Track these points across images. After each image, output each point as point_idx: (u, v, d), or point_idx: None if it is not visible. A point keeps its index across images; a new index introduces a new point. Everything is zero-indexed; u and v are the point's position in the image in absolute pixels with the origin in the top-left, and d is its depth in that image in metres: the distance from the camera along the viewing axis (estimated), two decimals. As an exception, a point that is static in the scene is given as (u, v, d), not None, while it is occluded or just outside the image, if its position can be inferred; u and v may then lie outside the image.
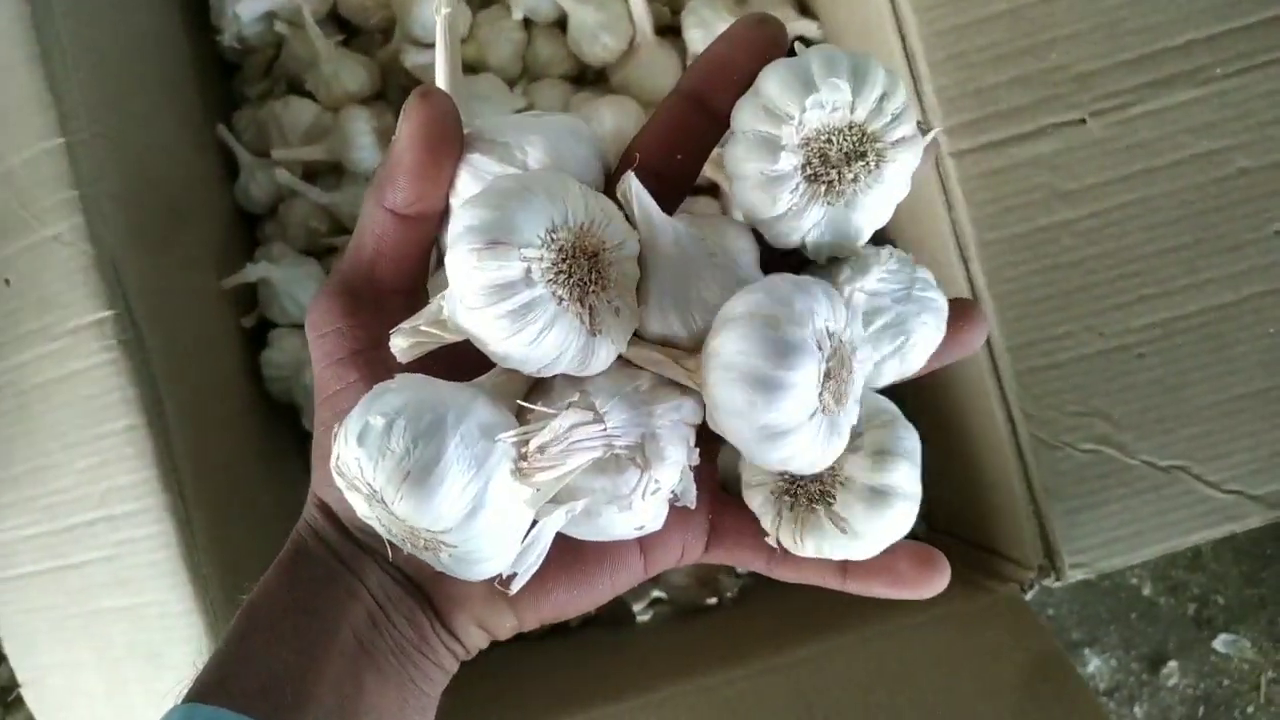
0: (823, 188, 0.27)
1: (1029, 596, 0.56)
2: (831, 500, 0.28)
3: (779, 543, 0.30)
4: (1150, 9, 0.53)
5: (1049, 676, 0.51)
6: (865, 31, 0.59)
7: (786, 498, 0.29)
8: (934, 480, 0.69)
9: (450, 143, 0.29)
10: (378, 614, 0.31)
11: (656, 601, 0.77)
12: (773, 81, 0.26)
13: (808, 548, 0.29)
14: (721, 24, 0.66)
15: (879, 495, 0.28)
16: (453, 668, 0.33)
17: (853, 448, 0.28)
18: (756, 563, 0.33)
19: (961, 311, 0.32)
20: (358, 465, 0.25)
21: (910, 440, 0.30)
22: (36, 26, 0.54)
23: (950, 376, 0.60)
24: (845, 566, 0.32)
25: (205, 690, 0.29)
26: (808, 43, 0.70)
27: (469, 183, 0.29)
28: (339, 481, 0.27)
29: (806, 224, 0.28)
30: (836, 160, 0.26)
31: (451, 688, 0.39)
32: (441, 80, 0.32)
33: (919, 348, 0.30)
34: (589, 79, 0.73)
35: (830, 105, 0.26)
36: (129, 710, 0.57)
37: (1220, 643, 0.97)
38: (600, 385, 0.27)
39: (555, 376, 0.28)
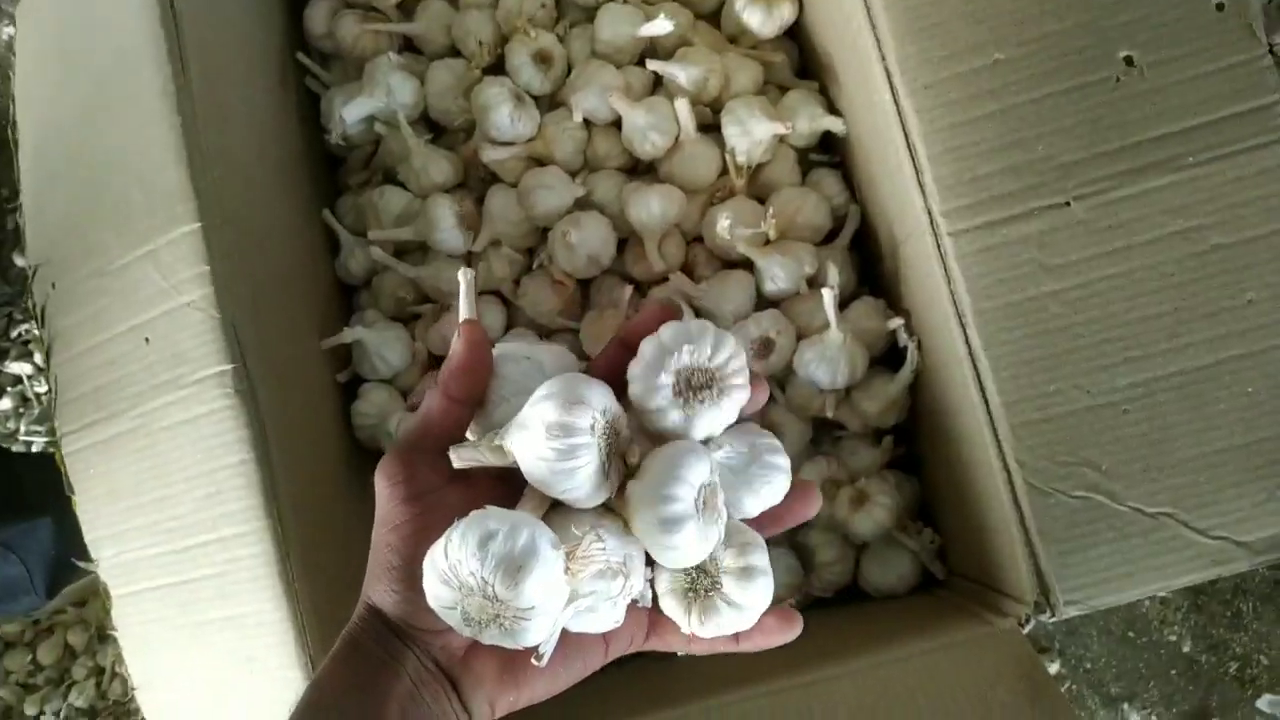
0: (681, 400, 0.42)
1: (1026, 630, 0.61)
2: (719, 585, 0.41)
3: (691, 631, 0.42)
4: (1127, 107, 0.61)
5: (1039, 698, 0.56)
6: (875, 129, 0.67)
7: (689, 594, 0.42)
8: (947, 527, 0.75)
9: (487, 354, 0.44)
10: (415, 693, 0.41)
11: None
12: (667, 332, 0.42)
13: (709, 629, 0.42)
14: (754, 122, 0.75)
15: (746, 572, 0.41)
16: None
17: (725, 550, 0.41)
18: (679, 644, 0.45)
19: (802, 489, 0.45)
20: (476, 562, 0.36)
21: (758, 542, 0.42)
22: (185, 136, 0.66)
23: (955, 432, 0.67)
24: (737, 635, 0.43)
25: None
26: (834, 139, 0.79)
27: (503, 381, 0.44)
28: (431, 575, 0.38)
29: (669, 419, 0.42)
30: (695, 386, 0.42)
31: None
32: (462, 317, 0.46)
33: (748, 502, 0.43)
34: (640, 169, 0.82)
35: (695, 354, 0.41)
36: (228, 708, 0.66)
37: (1265, 703, 0.98)
38: (604, 524, 0.41)
39: (573, 511, 0.42)
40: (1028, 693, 0.56)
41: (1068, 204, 0.61)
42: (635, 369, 0.42)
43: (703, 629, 0.42)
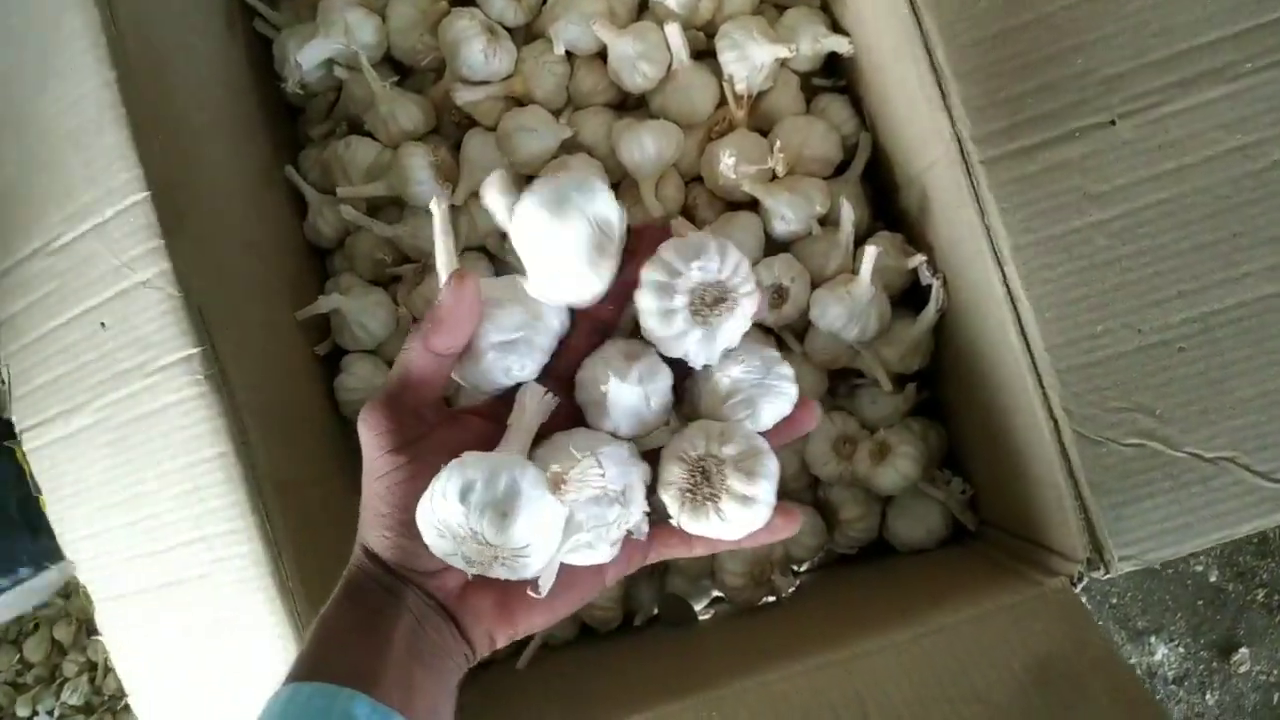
0: (700, 318, 0.42)
1: (1079, 589, 0.57)
2: (718, 499, 0.41)
3: (679, 524, 0.42)
4: (1175, 10, 0.54)
5: (1100, 667, 0.52)
6: (894, 47, 0.60)
7: (688, 494, 0.42)
8: (979, 476, 0.70)
9: (476, 308, 0.42)
10: (417, 627, 0.42)
11: (716, 600, 0.80)
12: (670, 251, 0.42)
13: (698, 528, 0.42)
14: (753, 45, 0.68)
15: (747, 500, 0.41)
16: (465, 667, 0.45)
17: (732, 468, 0.41)
18: (681, 550, 0.45)
19: (802, 401, 0.45)
20: (461, 514, 0.37)
21: (771, 465, 0.42)
22: (122, 92, 0.58)
23: (990, 378, 0.62)
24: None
25: (301, 675, 0.40)
26: (839, 61, 0.73)
27: (492, 329, 0.43)
28: (426, 528, 0.39)
29: (689, 341, 0.42)
30: (710, 302, 0.42)
31: (522, 685, 0.62)
32: (442, 261, 0.45)
33: (766, 414, 0.44)
34: (630, 105, 0.75)
35: (705, 269, 0.41)
36: (227, 713, 0.62)
37: (1294, 629, 0.96)
38: (605, 450, 0.41)
39: (577, 432, 0.42)
40: (1089, 663, 0.52)
41: (1112, 123, 0.55)
42: (645, 299, 0.42)
43: (693, 526, 0.42)
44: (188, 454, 0.59)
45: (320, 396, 0.72)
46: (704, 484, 0.41)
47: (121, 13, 0.59)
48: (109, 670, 0.91)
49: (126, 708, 0.91)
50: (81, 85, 0.59)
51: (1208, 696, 0.97)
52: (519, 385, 0.43)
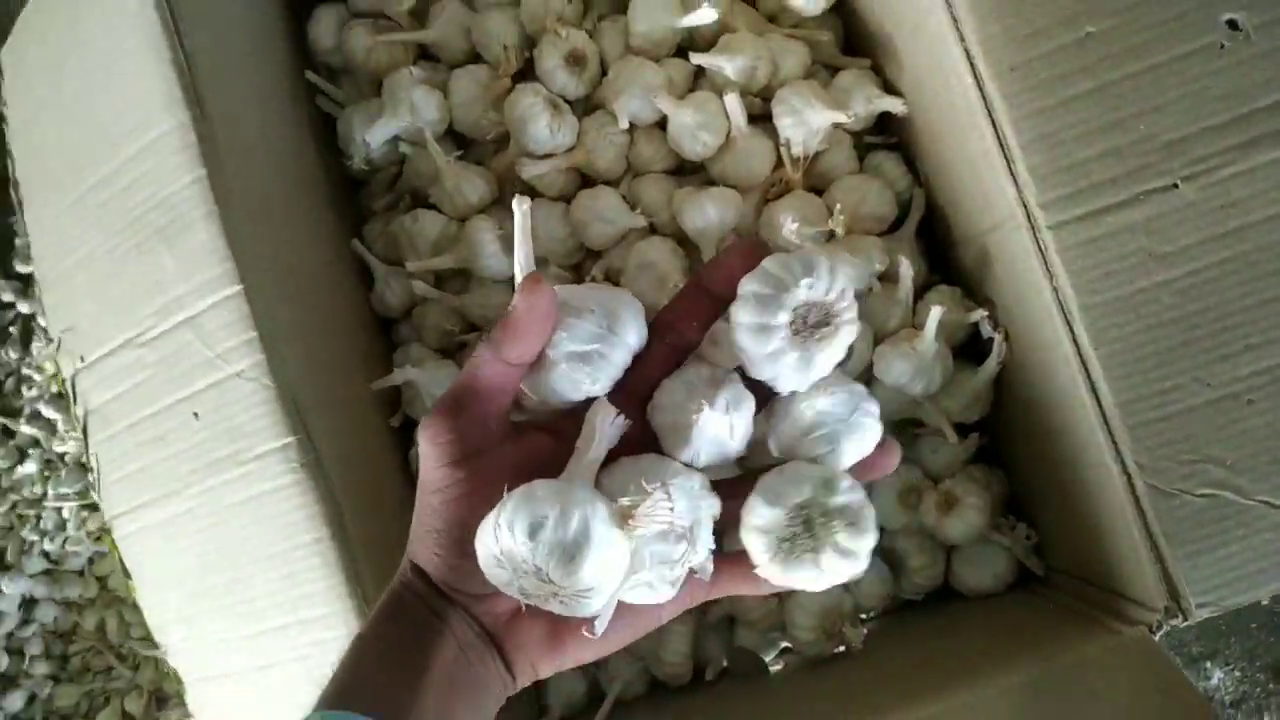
0: (800, 340, 0.40)
1: (1158, 637, 0.59)
2: (820, 552, 0.39)
3: (764, 572, 0.40)
4: (1234, 75, 0.56)
5: (1190, 713, 0.53)
6: (953, 114, 0.62)
7: (785, 543, 0.40)
8: (1044, 523, 0.72)
9: (551, 316, 0.40)
10: (460, 655, 0.41)
11: (785, 651, 0.81)
12: (777, 263, 0.39)
13: (788, 579, 0.40)
14: (810, 111, 0.70)
15: (849, 554, 0.40)
16: (504, 698, 0.44)
17: (840, 520, 0.39)
18: (747, 588, 0.43)
19: (883, 445, 0.44)
20: (527, 549, 0.36)
21: (873, 518, 0.40)
22: (213, 186, 0.60)
23: (1058, 431, 0.63)
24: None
25: (330, 703, 0.38)
26: (890, 119, 0.75)
27: (566, 338, 0.41)
28: (485, 555, 0.37)
29: (783, 363, 0.40)
30: (813, 324, 0.40)
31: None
32: (519, 264, 0.42)
33: (848, 453, 0.42)
34: (686, 170, 0.77)
35: (814, 287, 0.39)
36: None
37: (1348, 649, 0.97)
38: (676, 482, 0.39)
39: (644, 460, 0.41)
40: (1182, 713, 0.53)
41: (1175, 185, 0.57)
42: (742, 312, 0.40)
43: (781, 577, 0.40)
44: (284, 540, 0.61)
45: (396, 469, 0.74)
46: (805, 535, 0.39)
47: (210, 106, 0.61)
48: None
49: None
50: (173, 184, 0.61)
51: (1265, 718, 0.98)
52: (588, 401, 0.41)
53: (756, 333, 0.39)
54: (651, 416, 0.42)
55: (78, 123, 0.66)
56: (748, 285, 0.40)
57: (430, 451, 0.40)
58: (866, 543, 0.40)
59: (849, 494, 0.40)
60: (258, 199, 0.65)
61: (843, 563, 0.39)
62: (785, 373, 0.40)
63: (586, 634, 0.39)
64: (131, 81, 0.62)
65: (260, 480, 0.61)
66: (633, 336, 0.42)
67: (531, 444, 0.42)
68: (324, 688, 0.40)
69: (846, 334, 0.40)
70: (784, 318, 0.39)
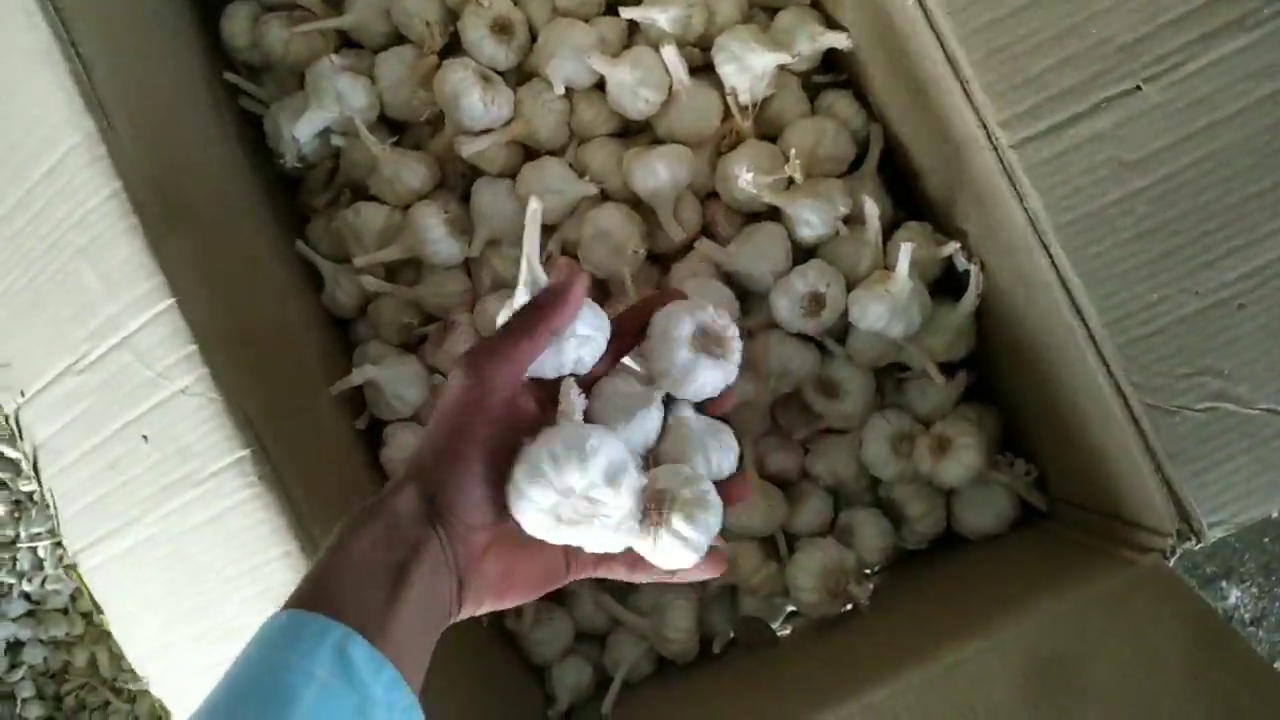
0: (696, 346, 0.48)
1: (1172, 562, 0.56)
2: (659, 529, 0.44)
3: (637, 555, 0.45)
4: (1186, -36, 0.53)
5: (1212, 643, 0.51)
6: (899, 40, 0.59)
7: (643, 514, 0.44)
8: (1044, 454, 0.69)
9: (581, 298, 0.46)
10: (433, 578, 0.42)
11: (793, 615, 0.79)
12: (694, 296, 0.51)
13: (639, 545, 0.44)
14: (752, 55, 0.67)
15: (683, 540, 0.44)
16: (445, 628, 0.45)
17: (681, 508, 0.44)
18: (621, 573, 0.48)
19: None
20: (579, 476, 0.41)
21: (713, 520, 0.45)
22: (131, 199, 0.57)
23: (1048, 359, 0.61)
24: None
25: (304, 604, 0.39)
26: (837, 55, 0.71)
27: (579, 322, 0.46)
28: (530, 484, 0.42)
29: (677, 355, 0.47)
30: (709, 340, 0.48)
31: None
32: (528, 260, 0.47)
33: (712, 464, 0.49)
34: (633, 130, 0.74)
35: (715, 318, 0.49)
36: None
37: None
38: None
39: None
40: (1209, 644, 0.50)
41: (1138, 88, 0.54)
42: (658, 323, 0.48)
43: (648, 550, 0.44)
44: (250, 557, 0.58)
45: (364, 469, 0.71)
46: (654, 511, 0.44)
47: (116, 118, 0.58)
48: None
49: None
50: (87, 201, 0.58)
51: (1288, 632, 0.96)
52: (561, 380, 0.47)
53: (663, 333, 0.48)
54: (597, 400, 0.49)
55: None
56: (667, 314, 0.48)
57: (463, 384, 0.44)
58: (698, 533, 0.44)
59: (697, 491, 0.45)
60: (181, 207, 0.62)
61: (678, 546, 0.44)
62: (676, 364, 0.48)
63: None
64: (30, 99, 0.58)
65: (218, 498, 0.58)
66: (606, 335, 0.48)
67: (527, 402, 0.47)
68: (300, 585, 0.41)
69: (731, 365, 0.49)
70: (688, 329, 0.48)
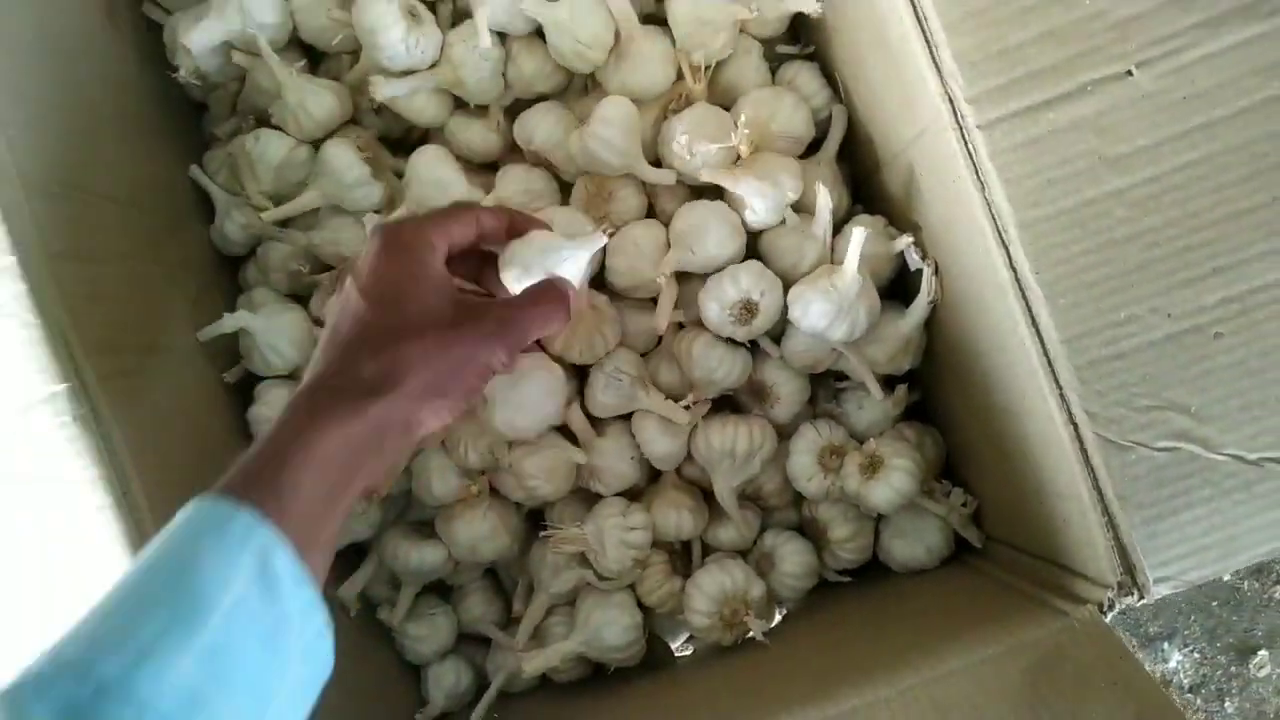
0: None
1: (1109, 618, 0.49)
2: None
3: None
4: (1196, -62, 0.46)
5: (1141, 707, 0.44)
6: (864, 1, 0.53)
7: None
8: (983, 486, 0.62)
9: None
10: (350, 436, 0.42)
11: (692, 638, 0.72)
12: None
13: None
14: (710, 8, 0.60)
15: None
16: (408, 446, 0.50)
17: None
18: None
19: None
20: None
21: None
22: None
23: (996, 378, 0.54)
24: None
25: (237, 490, 0.38)
26: (805, 24, 0.64)
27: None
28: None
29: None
30: None
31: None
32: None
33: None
34: (582, 89, 0.67)
35: None
36: None
37: (1316, 628, 0.89)
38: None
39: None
40: (1135, 711, 0.44)
41: (1129, 73, 0.47)
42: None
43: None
44: (64, 510, 0.50)
45: (230, 430, 0.63)
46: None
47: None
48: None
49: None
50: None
51: (1227, 704, 0.90)
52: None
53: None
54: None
55: None
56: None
57: (390, 257, 0.46)
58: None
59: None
60: (39, 108, 0.54)
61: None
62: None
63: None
64: None
65: (28, 440, 0.50)
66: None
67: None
68: (231, 470, 0.40)
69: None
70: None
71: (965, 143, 0.48)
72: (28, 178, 0.51)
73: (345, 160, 0.63)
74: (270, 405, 0.63)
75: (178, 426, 0.57)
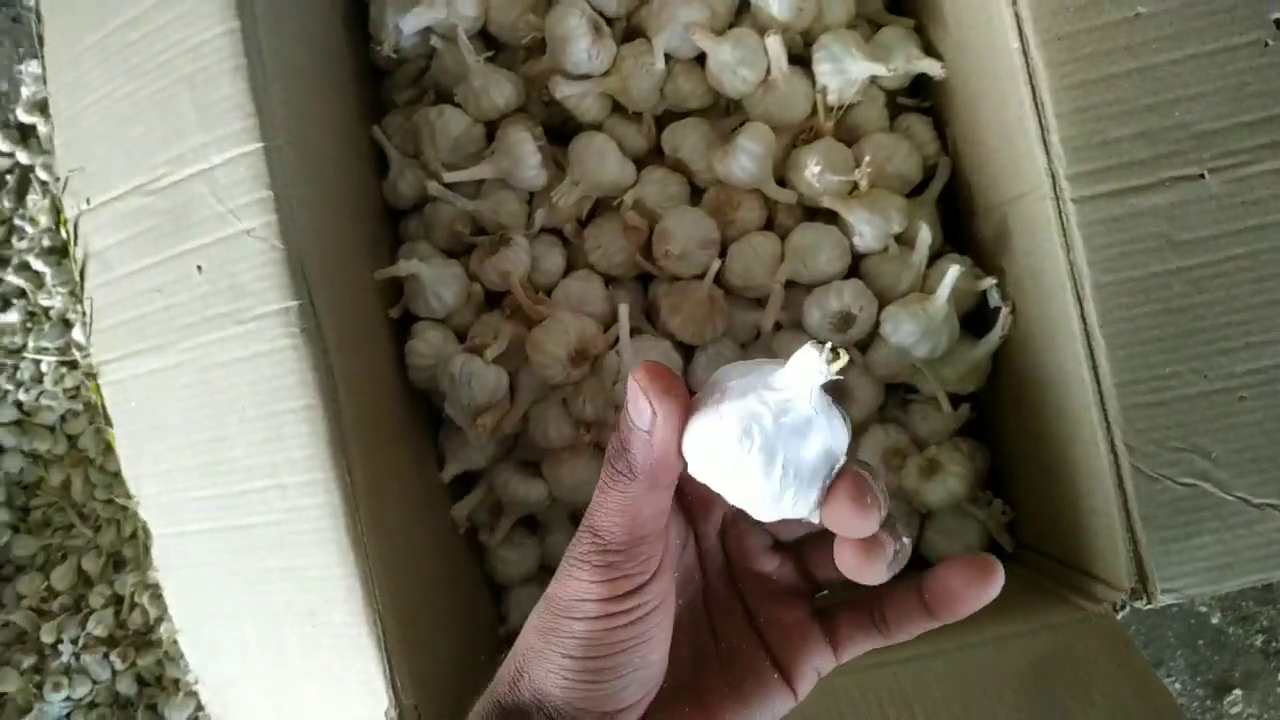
0: None
1: (1120, 616, 0.60)
2: None
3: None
4: (1273, 75, 0.56)
5: (1141, 690, 0.54)
6: (993, 79, 0.63)
7: None
8: (1022, 499, 0.73)
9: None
10: None
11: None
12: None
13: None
14: (850, 60, 0.70)
15: None
16: None
17: None
18: (873, 642, 0.43)
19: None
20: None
21: None
22: (245, 40, 0.59)
23: (1052, 407, 0.64)
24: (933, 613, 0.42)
25: None
26: (925, 83, 0.75)
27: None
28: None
29: None
30: None
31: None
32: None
33: None
34: (721, 106, 0.77)
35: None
36: (282, 659, 0.63)
37: (1286, 676, 0.99)
38: None
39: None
40: (1131, 685, 0.54)
41: (1202, 175, 0.57)
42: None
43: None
44: (275, 403, 0.60)
45: (390, 360, 0.73)
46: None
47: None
48: (135, 605, 0.92)
49: (149, 643, 0.93)
50: (204, 32, 0.60)
51: (1198, 733, 1.00)
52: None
53: None
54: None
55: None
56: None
57: (588, 587, 0.38)
58: None
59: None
60: (284, 63, 0.64)
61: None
62: None
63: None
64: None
65: (257, 341, 0.60)
66: None
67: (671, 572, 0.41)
68: None
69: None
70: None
71: (1060, 212, 0.59)
72: (285, 130, 0.61)
73: (525, 147, 0.73)
74: (427, 343, 0.73)
75: (361, 351, 0.67)
